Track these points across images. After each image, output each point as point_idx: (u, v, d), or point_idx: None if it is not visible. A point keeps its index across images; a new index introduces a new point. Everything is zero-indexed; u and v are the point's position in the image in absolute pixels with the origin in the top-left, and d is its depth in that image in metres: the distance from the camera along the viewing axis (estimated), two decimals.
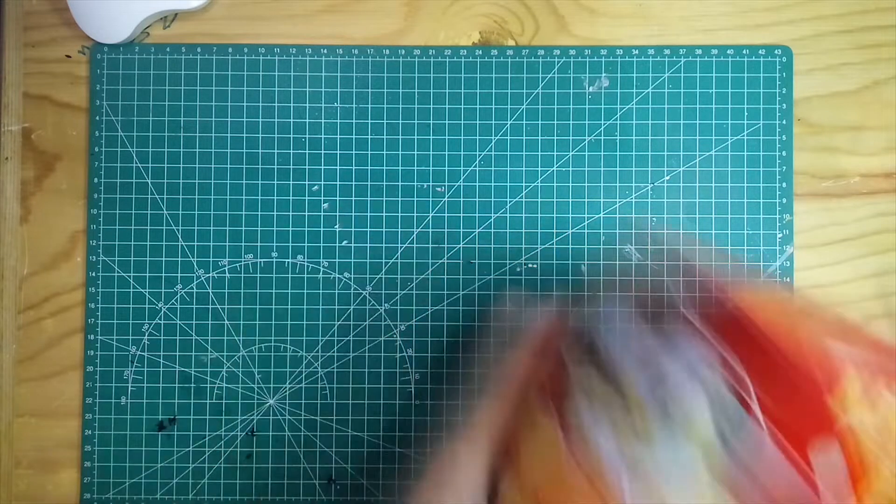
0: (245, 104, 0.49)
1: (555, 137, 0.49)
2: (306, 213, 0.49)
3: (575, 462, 0.25)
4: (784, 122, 0.49)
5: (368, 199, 0.49)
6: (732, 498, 0.22)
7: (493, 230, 0.49)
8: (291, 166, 0.49)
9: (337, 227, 0.49)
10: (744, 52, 0.49)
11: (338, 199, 0.49)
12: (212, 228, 0.49)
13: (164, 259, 0.49)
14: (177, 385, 0.49)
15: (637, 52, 0.49)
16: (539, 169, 0.49)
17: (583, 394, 0.27)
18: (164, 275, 0.49)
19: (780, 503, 0.22)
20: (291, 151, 0.49)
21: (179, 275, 0.49)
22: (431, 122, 0.49)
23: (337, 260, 0.49)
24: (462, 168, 0.49)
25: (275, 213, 0.49)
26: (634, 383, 0.24)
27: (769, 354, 0.23)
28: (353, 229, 0.49)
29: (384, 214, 0.49)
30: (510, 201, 0.49)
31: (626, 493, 0.23)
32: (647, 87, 0.49)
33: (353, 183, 0.49)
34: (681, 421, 0.23)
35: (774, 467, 0.22)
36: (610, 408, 0.25)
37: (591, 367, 0.27)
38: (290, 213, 0.49)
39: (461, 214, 0.49)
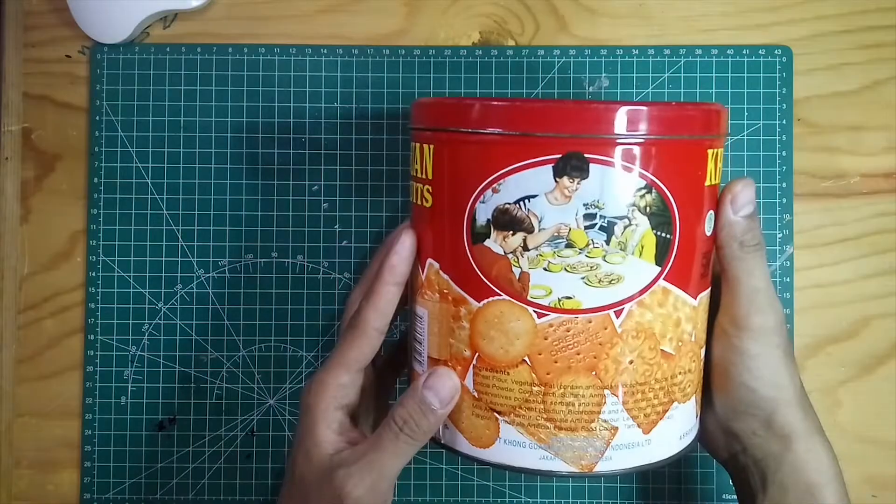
0: (245, 104, 0.49)
1: None
2: (306, 213, 0.49)
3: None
4: (784, 122, 0.49)
5: (368, 199, 0.49)
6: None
7: None
8: (291, 166, 0.49)
9: (337, 227, 0.49)
10: (744, 52, 0.49)
11: (338, 199, 0.49)
12: (212, 228, 0.49)
13: (164, 259, 0.49)
14: (177, 385, 0.49)
15: (637, 52, 0.49)
16: None
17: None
18: (164, 275, 0.49)
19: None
20: (291, 151, 0.49)
21: (179, 275, 0.49)
22: None
23: (337, 260, 0.49)
24: None
25: (275, 213, 0.49)
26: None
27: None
28: (353, 229, 0.49)
29: (384, 214, 0.49)
30: None
31: None
32: (647, 87, 0.49)
33: (353, 183, 0.49)
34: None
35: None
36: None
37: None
38: (290, 213, 0.49)
39: None
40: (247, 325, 0.49)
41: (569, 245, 0.33)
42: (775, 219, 0.48)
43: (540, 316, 0.33)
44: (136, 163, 0.49)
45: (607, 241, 0.33)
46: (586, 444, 0.34)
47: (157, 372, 0.49)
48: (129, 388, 0.49)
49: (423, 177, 0.36)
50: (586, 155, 0.32)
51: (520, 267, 0.33)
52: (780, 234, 0.48)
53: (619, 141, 0.32)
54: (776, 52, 0.49)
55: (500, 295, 0.34)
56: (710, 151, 0.35)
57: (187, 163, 0.49)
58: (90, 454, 0.48)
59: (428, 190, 0.36)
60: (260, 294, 0.49)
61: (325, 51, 0.49)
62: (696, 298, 0.35)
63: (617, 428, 0.34)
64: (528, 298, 0.33)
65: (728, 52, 0.49)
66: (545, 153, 0.32)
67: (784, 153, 0.49)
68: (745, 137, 0.48)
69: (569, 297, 0.33)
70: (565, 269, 0.33)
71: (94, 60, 0.49)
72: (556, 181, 0.32)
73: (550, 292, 0.33)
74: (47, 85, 0.49)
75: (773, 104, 0.49)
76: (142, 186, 0.49)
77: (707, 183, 0.35)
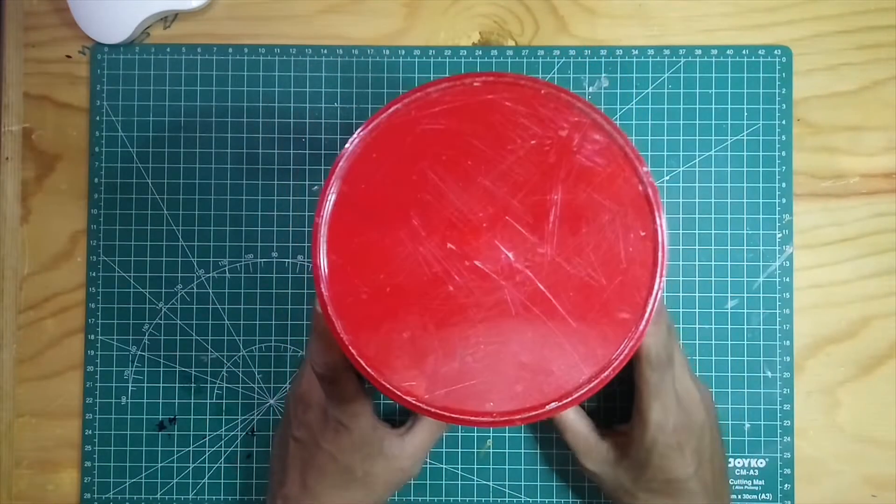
0: (245, 104, 0.49)
1: None
2: (306, 213, 0.49)
3: None
4: (783, 122, 0.49)
5: None
6: None
7: None
8: (291, 166, 0.49)
9: None
10: (744, 52, 0.49)
11: None
12: (212, 228, 0.49)
13: (164, 259, 0.49)
14: (177, 385, 0.49)
15: (637, 52, 0.49)
16: None
17: None
18: (164, 275, 0.49)
19: None
20: (291, 151, 0.49)
21: (179, 275, 0.49)
22: None
23: None
24: None
25: (275, 213, 0.49)
26: None
27: None
28: None
29: None
30: None
31: None
32: (647, 88, 0.49)
33: None
34: None
35: None
36: None
37: None
38: (290, 213, 0.49)
39: None
40: (247, 325, 0.49)
41: None
42: (775, 219, 0.48)
43: None
44: (136, 163, 0.49)
45: None
46: None
47: (158, 372, 0.49)
48: (130, 388, 0.49)
49: None
50: None
51: None
52: (780, 234, 0.48)
53: None
54: (776, 52, 0.49)
55: None
56: None
57: (187, 163, 0.49)
58: (90, 454, 0.48)
59: None
60: (260, 294, 0.49)
61: (325, 51, 0.49)
62: None
63: None
64: None
65: (728, 52, 0.49)
66: None
67: (783, 153, 0.49)
68: (745, 137, 0.49)
69: None
70: None
71: (94, 60, 0.49)
72: None
73: None
74: (47, 85, 0.50)
75: (772, 104, 0.49)
76: (142, 186, 0.49)
77: None
